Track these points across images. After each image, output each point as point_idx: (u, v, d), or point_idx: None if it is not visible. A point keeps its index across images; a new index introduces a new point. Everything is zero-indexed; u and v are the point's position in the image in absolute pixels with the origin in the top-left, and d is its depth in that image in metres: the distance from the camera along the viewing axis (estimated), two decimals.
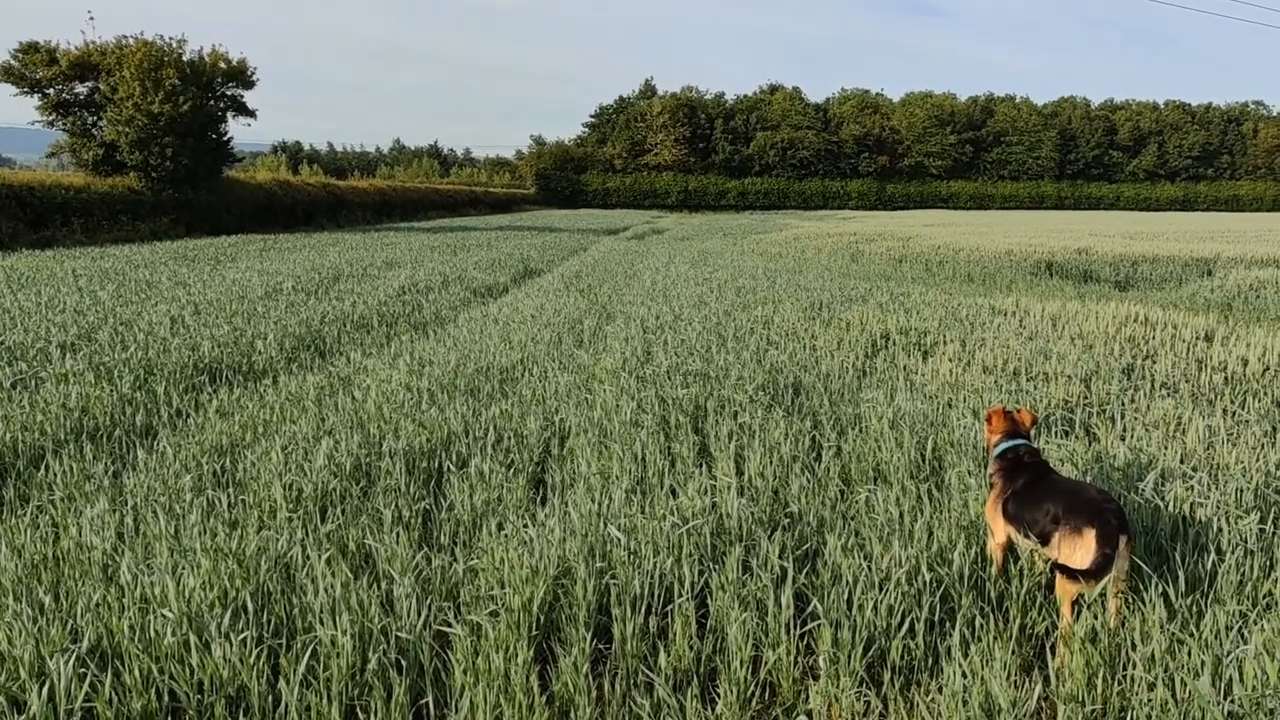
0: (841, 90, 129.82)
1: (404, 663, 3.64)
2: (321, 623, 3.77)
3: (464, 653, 3.63)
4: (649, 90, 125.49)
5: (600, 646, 3.94)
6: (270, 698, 3.42)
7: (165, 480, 5.65)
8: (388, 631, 3.77)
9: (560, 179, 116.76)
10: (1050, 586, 4.27)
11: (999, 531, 4.46)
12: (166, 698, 3.42)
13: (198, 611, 3.80)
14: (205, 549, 4.41)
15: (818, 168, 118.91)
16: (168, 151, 38.73)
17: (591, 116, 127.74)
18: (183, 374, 8.68)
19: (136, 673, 3.44)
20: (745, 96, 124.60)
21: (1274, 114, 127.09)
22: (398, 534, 4.80)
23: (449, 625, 3.91)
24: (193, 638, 3.57)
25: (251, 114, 45.26)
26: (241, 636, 3.60)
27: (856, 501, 5.29)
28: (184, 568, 4.24)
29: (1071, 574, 3.80)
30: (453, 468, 5.98)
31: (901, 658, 3.77)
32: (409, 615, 3.85)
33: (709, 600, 4.14)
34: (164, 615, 3.74)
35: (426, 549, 4.80)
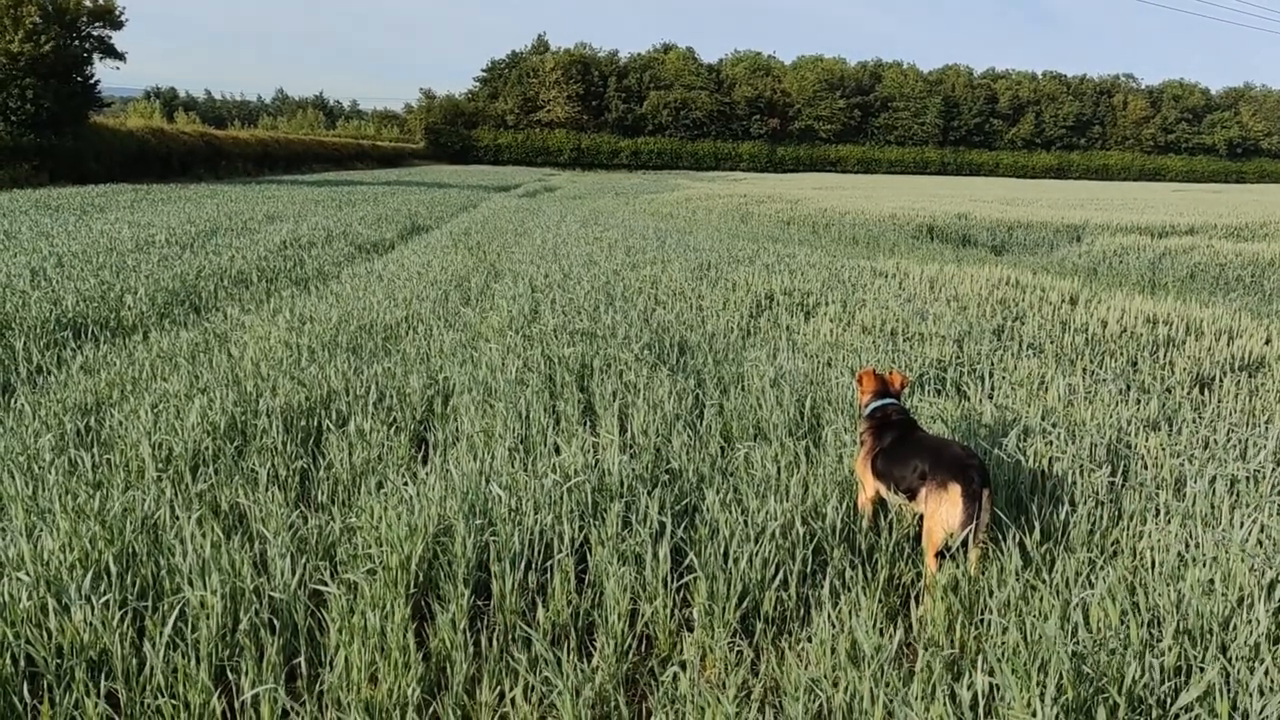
0: (735, 51, 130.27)
1: (277, 623, 3.58)
2: (190, 584, 3.68)
3: (339, 611, 3.59)
4: (542, 45, 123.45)
5: (479, 603, 3.95)
6: (135, 660, 3.32)
7: (22, 439, 5.39)
8: (260, 591, 3.70)
9: (451, 134, 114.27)
10: (917, 539, 4.45)
11: (869, 486, 4.62)
12: (23, 662, 3.30)
13: (56, 575, 3.66)
14: (65, 510, 4.23)
15: (710, 129, 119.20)
16: (28, 94, 36.73)
17: (483, 71, 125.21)
18: (44, 329, 8.26)
19: None
20: (639, 55, 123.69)
21: (1143, 87, 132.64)
22: (273, 493, 4.70)
23: (325, 584, 3.86)
24: (51, 601, 3.44)
25: (120, 56, 42.96)
26: (104, 599, 3.49)
27: (736, 458, 5.39)
28: (41, 530, 4.07)
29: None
30: (332, 426, 5.87)
31: (774, 608, 3.88)
32: (283, 575, 3.78)
33: (589, 556, 4.18)
34: (19, 579, 3.59)
35: (303, 508, 4.72)
